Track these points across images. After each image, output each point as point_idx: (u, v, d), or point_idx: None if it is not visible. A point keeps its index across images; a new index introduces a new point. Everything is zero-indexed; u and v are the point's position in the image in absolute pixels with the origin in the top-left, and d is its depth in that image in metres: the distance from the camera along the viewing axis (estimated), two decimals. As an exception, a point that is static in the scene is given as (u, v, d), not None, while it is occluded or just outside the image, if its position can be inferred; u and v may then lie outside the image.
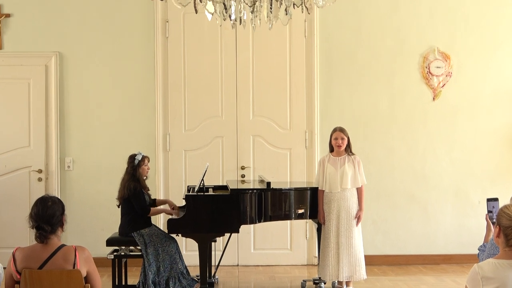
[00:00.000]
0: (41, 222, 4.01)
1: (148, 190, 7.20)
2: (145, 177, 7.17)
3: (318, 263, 7.30)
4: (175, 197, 8.40)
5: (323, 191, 7.11)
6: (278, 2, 5.28)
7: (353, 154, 7.15)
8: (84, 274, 4.02)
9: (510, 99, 8.80)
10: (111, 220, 8.15)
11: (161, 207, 7.55)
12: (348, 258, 6.96)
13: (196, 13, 5.30)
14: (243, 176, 8.68)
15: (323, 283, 7.34)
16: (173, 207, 7.35)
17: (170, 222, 6.69)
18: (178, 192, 8.48)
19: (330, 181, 7.08)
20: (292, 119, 8.74)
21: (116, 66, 8.63)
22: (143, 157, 7.10)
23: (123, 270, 7.21)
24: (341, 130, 7.14)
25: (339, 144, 7.08)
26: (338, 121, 8.29)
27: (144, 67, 8.64)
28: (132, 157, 7.09)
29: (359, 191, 7.11)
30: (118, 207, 7.13)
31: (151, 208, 7.10)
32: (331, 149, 7.20)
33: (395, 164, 8.78)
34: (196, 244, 6.69)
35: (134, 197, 6.94)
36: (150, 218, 7.12)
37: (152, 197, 7.43)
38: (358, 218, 7.03)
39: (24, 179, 8.55)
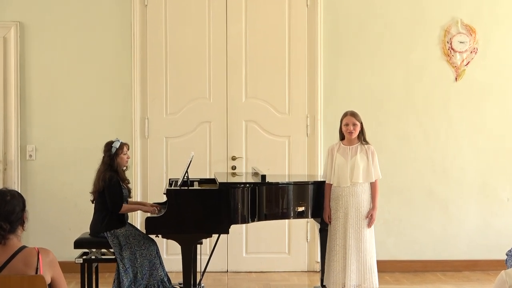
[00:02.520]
0: (-1, 219, 4.01)
1: (128, 182, 7.21)
2: (124, 168, 7.17)
3: (321, 269, 7.32)
4: (155, 191, 8.41)
5: (331, 185, 7.11)
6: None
7: (367, 143, 7.12)
8: (48, 280, 4.01)
9: (545, 80, 8.83)
10: (80, 218, 8.15)
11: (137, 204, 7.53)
12: (356, 264, 6.94)
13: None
14: (234, 168, 8.69)
15: (326, 293, 7.38)
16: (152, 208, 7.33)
17: (148, 221, 6.68)
18: (158, 186, 8.48)
19: (338, 174, 7.05)
20: (292, 102, 8.74)
21: (87, 38, 8.61)
22: (122, 144, 7.10)
23: (94, 277, 7.20)
24: (353, 114, 7.11)
25: (351, 130, 7.06)
26: (344, 105, 8.29)
27: (119, 40, 8.62)
28: (108, 145, 7.08)
29: (373, 186, 7.09)
30: (92, 202, 7.12)
31: (125, 204, 7.08)
32: (342, 137, 7.19)
33: (411, 155, 8.80)
34: (179, 247, 6.69)
35: (108, 188, 6.92)
36: (124, 216, 7.11)
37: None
38: (370, 218, 7.03)
39: (-21, 170, 8.56)
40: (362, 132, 7.12)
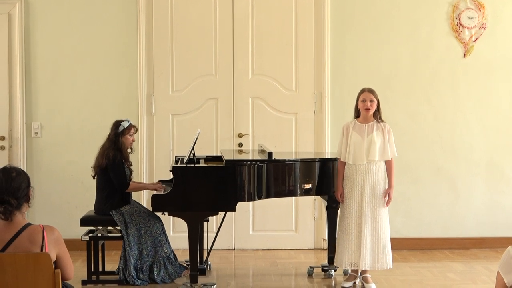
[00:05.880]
0: (6, 195, 4.02)
1: (131, 164, 7.22)
2: (129, 150, 7.19)
3: (328, 247, 7.31)
4: (161, 169, 8.42)
5: (344, 163, 7.04)
6: None
7: (382, 121, 7.03)
8: (53, 258, 4.03)
9: (555, 56, 8.79)
10: (86, 195, 8.17)
11: (144, 182, 7.55)
12: (371, 243, 6.82)
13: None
14: (240, 145, 8.69)
15: (333, 270, 7.36)
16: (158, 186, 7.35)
17: (154, 198, 6.69)
18: (164, 163, 8.49)
19: (355, 152, 6.94)
20: (299, 78, 8.72)
21: (92, 15, 8.58)
22: (130, 126, 7.14)
23: (100, 254, 7.24)
24: (371, 91, 6.98)
25: (368, 106, 6.95)
26: (351, 81, 8.29)
27: (124, 16, 8.59)
28: (117, 123, 7.12)
29: (389, 165, 6.96)
30: (93, 177, 7.16)
31: (131, 182, 7.12)
32: (357, 114, 7.10)
33: (418, 132, 8.78)
34: (185, 225, 6.70)
35: (112, 168, 6.97)
36: (129, 194, 7.15)
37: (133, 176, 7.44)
38: (388, 197, 6.92)
39: (-16, 148, 8.58)
40: (378, 110, 6.99)
